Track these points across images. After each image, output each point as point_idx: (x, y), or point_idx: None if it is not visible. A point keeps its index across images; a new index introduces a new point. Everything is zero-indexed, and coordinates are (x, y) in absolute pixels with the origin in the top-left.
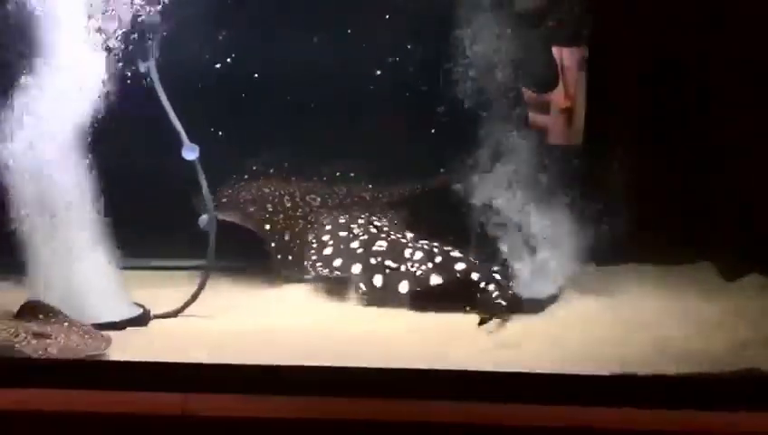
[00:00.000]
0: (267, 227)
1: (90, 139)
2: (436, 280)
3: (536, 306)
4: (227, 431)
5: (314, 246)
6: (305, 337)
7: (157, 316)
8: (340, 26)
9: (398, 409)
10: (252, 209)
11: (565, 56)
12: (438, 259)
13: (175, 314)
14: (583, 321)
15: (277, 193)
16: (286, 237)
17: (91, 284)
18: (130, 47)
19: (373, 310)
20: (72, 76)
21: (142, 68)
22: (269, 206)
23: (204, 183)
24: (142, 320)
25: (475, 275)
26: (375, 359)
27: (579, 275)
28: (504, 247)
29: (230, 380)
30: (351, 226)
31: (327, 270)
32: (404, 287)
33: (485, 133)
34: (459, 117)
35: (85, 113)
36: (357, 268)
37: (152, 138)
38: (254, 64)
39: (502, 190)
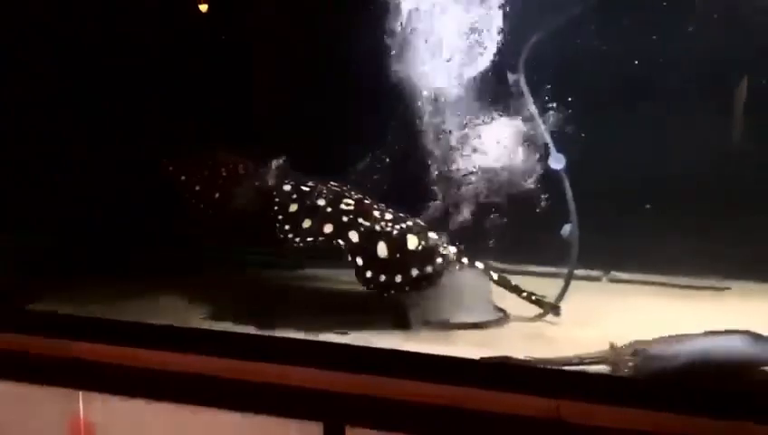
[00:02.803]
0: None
1: None
2: (413, 242)
3: None
4: None
5: (277, 201)
6: None
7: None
8: None
9: None
10: None
11: None
12: (409, 223)
13: (534, 318)
14: None
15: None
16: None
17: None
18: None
19: None
20: None
21: (511, 80)
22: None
23: (569, 193)
24: (502, 323)
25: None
26: None
27: None
28: None
29: (601, 388)
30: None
31: (293, 234)
32: (382, 250)
33: None
34: None
35: None
36: (328, 228)
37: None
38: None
39: None
